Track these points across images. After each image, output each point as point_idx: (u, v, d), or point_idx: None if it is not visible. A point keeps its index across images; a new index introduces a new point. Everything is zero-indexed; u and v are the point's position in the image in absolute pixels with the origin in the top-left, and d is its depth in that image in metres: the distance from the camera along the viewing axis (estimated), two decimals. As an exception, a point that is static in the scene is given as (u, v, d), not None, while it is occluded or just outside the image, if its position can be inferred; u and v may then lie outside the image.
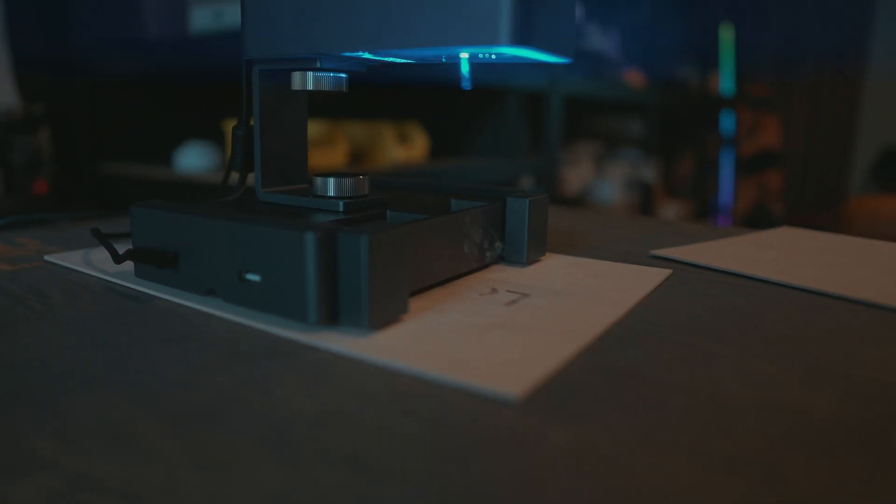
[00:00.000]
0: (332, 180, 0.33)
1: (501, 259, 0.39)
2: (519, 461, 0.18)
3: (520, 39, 0.25)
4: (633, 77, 2.17)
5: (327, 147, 1.14)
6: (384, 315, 0.27)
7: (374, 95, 1.42)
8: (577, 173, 2.05)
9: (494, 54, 0.29)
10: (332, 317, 0.26)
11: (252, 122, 0.36)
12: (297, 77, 0.33)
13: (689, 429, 0.20)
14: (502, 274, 0.37)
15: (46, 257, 0.40)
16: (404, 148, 1.31)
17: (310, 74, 0.33)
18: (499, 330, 0.28)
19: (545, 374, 0.23)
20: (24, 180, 1.22)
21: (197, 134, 1.16)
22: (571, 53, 0.29)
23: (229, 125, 0.93)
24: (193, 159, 1.09)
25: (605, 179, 2.18)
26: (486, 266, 0.38)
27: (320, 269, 0.25)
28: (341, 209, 0.33)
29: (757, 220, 2.82)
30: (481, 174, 1.45)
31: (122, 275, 0.35)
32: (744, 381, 0.24)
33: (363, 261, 0.25)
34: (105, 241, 0.35)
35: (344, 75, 0.34)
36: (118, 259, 0.33)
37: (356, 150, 1.26)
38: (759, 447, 0.19)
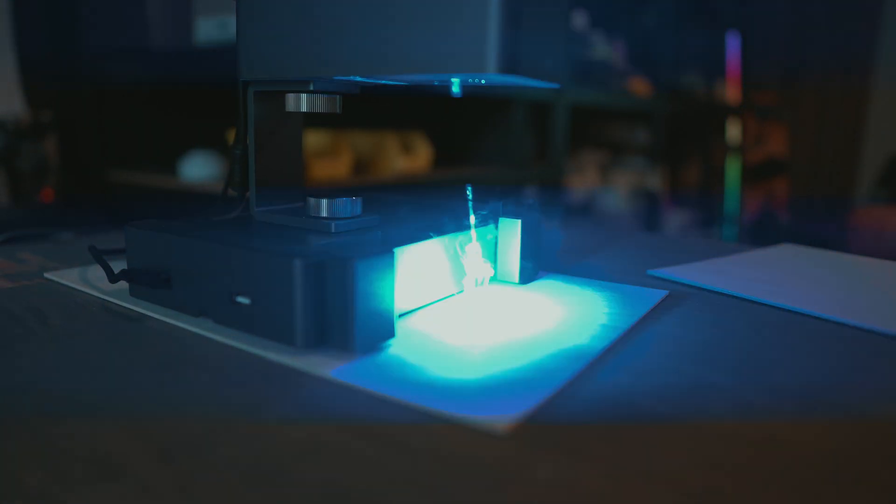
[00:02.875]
0: (325, 201, 0.33)
1: (494, 279, 0.39)
2: (503, 496, 0.18)
3: (507, 67, 0.25)
4: (639, 85, 2.17)
5: (331, 157, 1.14)
6: (372, 339, 0.27)
7: (378, 105, 1.43)
8: (582, 182, 2.05)
9: (483, 79, 0.29)
10: (320, 341, 0.27)
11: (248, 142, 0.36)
12: (290, 98, 0.34)
13: (678, 464, 0.20)
14: (495, 293, 0.37)
15: (47, 274, 0.40)
16: (408, 158, 1.31)
17: (303, 96, 0.33)
18: (490, 356, 0.28)
19: (535, 403, 0.23)
20: (31, 187, 1.23)
21: (202, 143, 1.17)
22: (561, 78, 0.29)
23: (233, 135, 0.94)
24: (198, 168, 1.10)
25: (611, 188, 2.18)
26: (477, 287, 0.38)
27: (308, 294, 0.25)
28: (333, 230, 0.33)
29: (763, 228, 2.80)
30: (486, 183, 1.45)
31: (120, 293, 0.36)
32: (735, 411, 0.24)
33: (350, 286, 0.25)
34: (101, 259, 0.35)
35: (338, 96, 0.35)
36: (113, 279, 0.33)
37: (360, 159, 1.26)
38: (747, 484, 0.19)
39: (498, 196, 0.39)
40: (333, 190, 0.35)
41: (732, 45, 2.85)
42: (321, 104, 0.34)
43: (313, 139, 1.16)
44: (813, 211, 2.99)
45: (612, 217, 2.14)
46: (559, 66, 0.29)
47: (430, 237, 0.33)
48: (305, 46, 0.31)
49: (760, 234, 2.78)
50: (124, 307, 0.34)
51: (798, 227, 2.86)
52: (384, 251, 0.27)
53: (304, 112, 0.35)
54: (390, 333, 0.28)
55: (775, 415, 0.24)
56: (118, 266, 0.36)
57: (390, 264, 0.27)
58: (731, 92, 2.85)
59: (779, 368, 0.28)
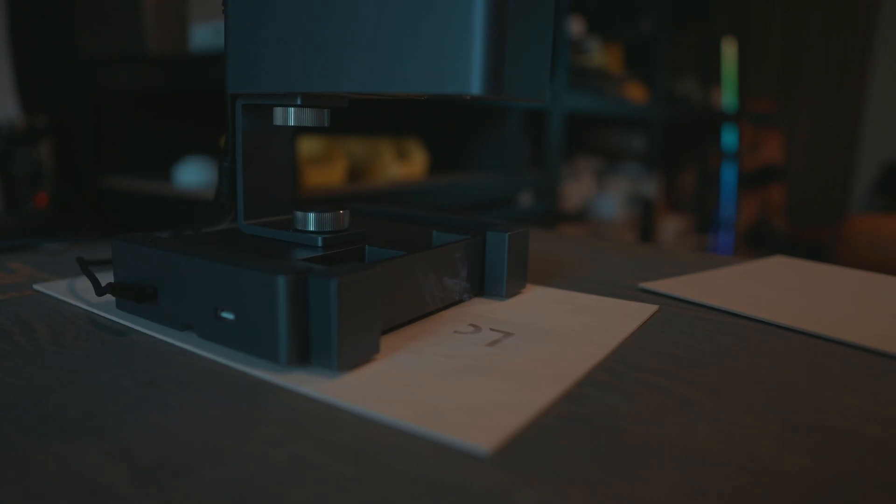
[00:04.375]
0: (311, 215, 0.33)
1: (480, 294, 0.39)
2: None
3: (491, 87, 0.25)
4: (635, 91, 2.17)
5: (325, 164, 1.14)
6: (355, 356, 0.27)
7: (373, 111, 1.43)
8: (578, 188, 2.05)
9: (469, 96, 0.29)
10: (304, 358, 0.27)
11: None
12: (278, 112, 0.34)
13: (661, 489, 0.20)
14: (481, 308, 0.37)
15: (36, 286, 0.40)
16: (403, 164, 1.31)
17: (291, 110, 0.33)
18: (475, 374, 0.28)
19: (519, 424, 0.23)
20: (25, 192, 1.22)
21: (196, 149, 1.17)
22: (545, 96, 0.30)
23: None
24: (192, 174, 1.10)
25: (607, 194, 2.18)
26: (463, 301, 0.38)
27: (291, 311, 0.25)
28: (320, 244, 0.33)
29: (759, 234, 2.81)
30: (481, 190, 1.45)
31: (107, 306, 0.36)
32: (720, 433, 0.24)
33: (333, 304, 0.25)
34: (88, 271, 0.35)
35: (326, 110, 0.35)
36: (100, 292, 0.33)
37: (355, 166, 1.26)
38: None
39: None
40: (323, 202, 0.35)
41: (729, 52, 2.86)
42: (309, 118, 0.34)
43: (307, 146, 1.16)
44: (808, 218, 2.99)
45: (608, 224, 2.14)
46: (546, 84, 0.29)
47: (416, 252, 0.33)
48: (292, 61, 0.31)
49: (756, 240, 2.79)
50: (111, 320, 0.34)
51: (793, 234, 2.87)
52: (368, 268, 0.27)
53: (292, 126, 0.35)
54: (374, 349, 0.28)
55: (758, 435, 0.23)
56: (107, 277, 0.36)
57: (374, 281, 0.27)
58: (726, 99, 2.86)
59: (764, 387, 0.28)
